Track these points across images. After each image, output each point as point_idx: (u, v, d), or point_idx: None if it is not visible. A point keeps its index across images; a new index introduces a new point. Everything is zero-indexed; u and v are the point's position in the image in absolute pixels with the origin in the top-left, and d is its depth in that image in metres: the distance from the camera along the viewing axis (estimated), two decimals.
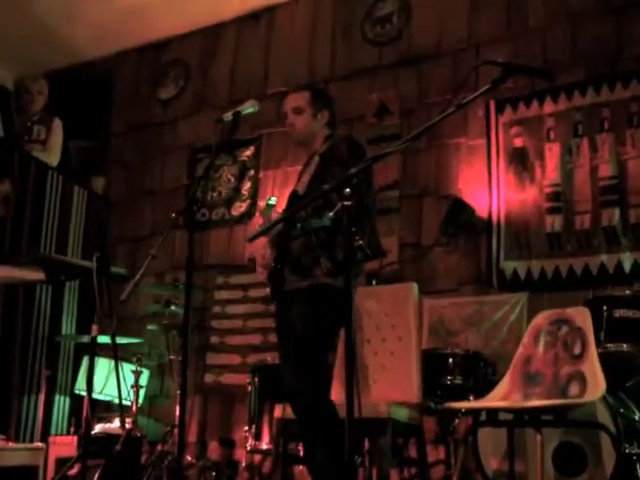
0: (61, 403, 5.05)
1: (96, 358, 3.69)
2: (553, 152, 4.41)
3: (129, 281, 4.55)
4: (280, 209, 3.23)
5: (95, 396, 4.49)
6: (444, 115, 2.28)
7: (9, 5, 5.80)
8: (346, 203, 2.20)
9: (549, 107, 4.49)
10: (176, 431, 4.31)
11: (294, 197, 3.22)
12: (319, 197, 2.52)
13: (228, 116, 3.01)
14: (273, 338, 4.25)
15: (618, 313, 3.51)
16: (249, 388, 4.29)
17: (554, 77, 4.35)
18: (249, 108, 3.05)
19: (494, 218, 4.50)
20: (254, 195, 5.47)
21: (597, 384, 2.90)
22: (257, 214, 3.24)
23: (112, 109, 6.50)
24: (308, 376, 2.94)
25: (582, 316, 3.16)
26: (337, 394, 3.20)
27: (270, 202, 3.20)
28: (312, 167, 3.20)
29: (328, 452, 2.86)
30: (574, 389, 3.00)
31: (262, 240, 3.19)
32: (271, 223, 2.94)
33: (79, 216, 5.50)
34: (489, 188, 4.56)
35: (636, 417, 3.28)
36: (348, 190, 2.20)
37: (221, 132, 3.22)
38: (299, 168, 3.52)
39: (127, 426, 3.85)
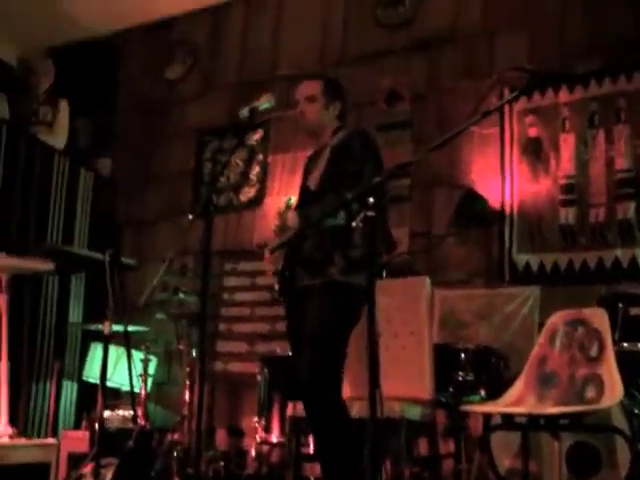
0: (69, 390, 5.05)
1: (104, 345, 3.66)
2: (568, 143, 4.35)
3: (137, 269, 4.61)
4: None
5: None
6: (468, 124, 2.24)
7: None
8: (369, 214, 2.16)
9: (564, 96, 4.41)
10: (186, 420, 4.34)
11: (306, 193, 3.19)
12: (340, 206, 2.48)
13: (244, 112, 2.94)
14: (281, 327, 4.24)
15: (634, 311, 3.49)
16: (258, 378, 4.28)
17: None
18: (265, 103, 2.98)
19: (507, 209, 4.45)
20: (263, 180, 5.42)
21: (614, 389, 2.88)
22: (276, 215, 3.17)
23: (118, 88, 6.41)
24: (322, 373, 2.91)
25: (599, 317, 3.13)
26: (349, 391, 3.19)
27: (289, 203, 3.15)
28: (323, 161, 3.15)
29: (339, 450, 2.85)
30: (591, 393, 2.98)
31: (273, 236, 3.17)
32: (292, 236, 2.90)
33: (86, 200, 5.46)
34: (502, 179, 4.51)
35: None
36: (372, 200, 2.16)
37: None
38: (308, 153, 3.47)
39: (138, 419, 3.84)
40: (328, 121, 3.25)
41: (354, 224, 2.22)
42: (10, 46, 6.59)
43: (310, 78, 3.35)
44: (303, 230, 2.91)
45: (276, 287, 3.14)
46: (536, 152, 4.46)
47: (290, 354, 3.29)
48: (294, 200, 3.17)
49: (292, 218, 3.02)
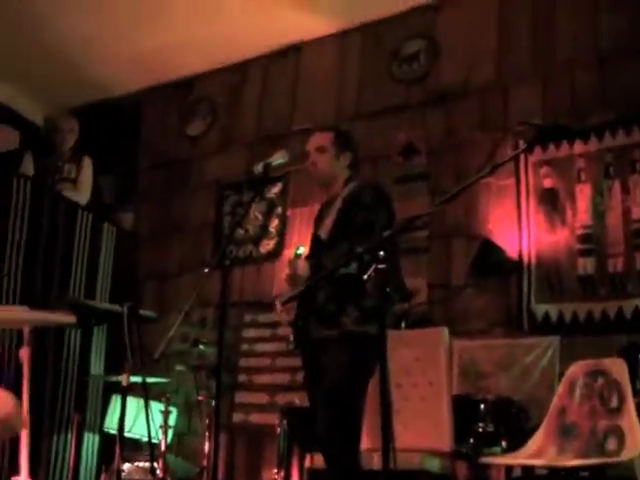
0: (90, 442, 5.04)
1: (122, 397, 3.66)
2: (584, 193, 4.36)
3: (157, 321, 4.63)
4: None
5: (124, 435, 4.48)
6: (478, 177, 2.25)
7: (38, 44, 5.87)
8: (380, 266, 2.17)
9: (579, 148, 4.43)
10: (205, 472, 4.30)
11: (317, 242, 3.20)
12: (352, 258, 2.49)
13: (258, 168, 3.00)
14: (301, 377, 4.22)
15: None
16: (278, 430, 4.26)
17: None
18: (279, 159, 3.05)
19: (525, 259, 4.44)
20: (282, 233, 5.46)
21: (636, 440, 2.85)
22: (287, 264, 3.18)
23: (140, 145, 6.54)
24: (340, 426, 2.90)
25: (618, 368, 3.10)
26: (367, 443, 3.17)
27: (298, 252, 3.18)
28: (334, 210, 3.18)
29: None
30: (612, 444, 2.94)
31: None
32: (305, 287, 2.91)
33: (108, 253, 5.51)
34: (519, 229, 4.51)
35: None
36: (382, 253, 2.18)
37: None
38: None
39: (157, 471, 3.82)
40: (339, 171, 3.29)
41: (365, 277, 2.22)
42: (36, 106, 6.77)
43: (321, 130, 3.41)
44: (317, 280, 2.91)
45: (291, 338, 3.16)
46: (552, 202, 4.47)
47: (309, 405, 3.28)
48: (303, 249, 3.18)
49: (302, 267, 3.02)
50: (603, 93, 4.48)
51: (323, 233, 3.14)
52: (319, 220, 3.33)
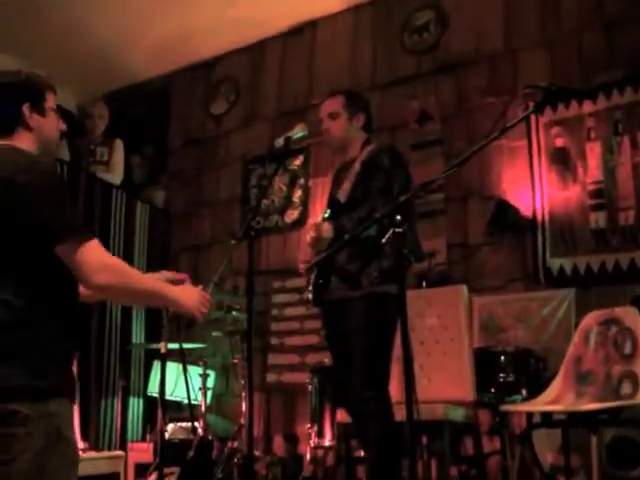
0: (135, 405, 5.12)
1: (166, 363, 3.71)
2: (594, 151, 4.29)
3: None
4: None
5: (166, 398, 4.55)
6: (489, 140, 2.21)
7: (70, 32, 5.86)
8: (397, 230, 2.15)
9: (588, 107, 4.35)
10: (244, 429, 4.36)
11: (336, 205, 3.11)
12: (370, 224, 2.46)
13: (279, 142, 2.95)
14: None
15: None
16: (309, 388, 4.29)
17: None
18: (299, 133, 2.99)
19: (538, 216, 4.39)
20: (305, 202, 5.46)
21: None
22: (311, 227, 3.12)
23: (169, 125, 6.54)
24: (374, 384, 2.88)
25: (631, 316, 3.07)
26: (392, 395, 3.17)
27: (325, 216, 3.13)
28: (352, 174, 3.07)
29: (386, 454, 2.83)
30: (627, 388, 2.92)
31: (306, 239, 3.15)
32: (328, 253, 2.87)
33: (143, 229, 5.57)
34: (532, 188, 4.45)
35: None
36: (399, 217, 2.15)
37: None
38: None
39: (198, 430, 3.88)
40: (353, 134, 3.18)
41: (383, 240, 2.20)
42: (69, 94, 6.79)
43: (331, 95, 3.27)
44: (341, 246, 2.86)
45: (310, 297, 3.09)
46: (564, 161, 4.40)
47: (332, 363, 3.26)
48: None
49: (327, 229, 2.95)
50: (609, 54, 4.38)
51: (342, 196, 3.04)
52: (336, 183, 3.25)
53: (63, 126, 2.03)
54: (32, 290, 1.70)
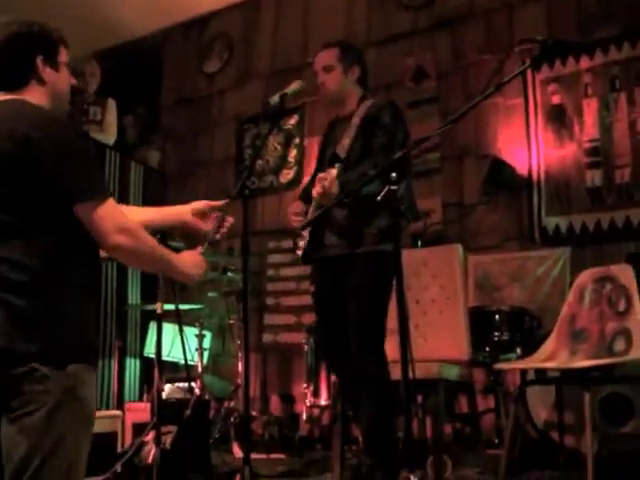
0: (132, 366, 5.16)
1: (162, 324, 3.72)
2: (591, 108, 4.26)
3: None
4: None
5: (163, 358, 4.57)
6: (485, 96, 2.18)
7: None
8: (392, 187, 2.14)
9: (585, 63, 4.31)
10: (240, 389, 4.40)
11: (335, 160, 2.97)
12: (367, 181, 2.44)
13: (275, 99, 2.89)
14: None
15: None
16: (305, 348, 4.32)
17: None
18: (294, 88, 2.95)
19: (534, 175, 4.39)
20: (300, 162, 5.43)
21: None
22: (317, 181, 2.98)
23: (162, 84, 6.47)
24: (373, 345, 2.87)
25: (625, 273, 3.06)
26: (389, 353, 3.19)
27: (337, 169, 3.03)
28: (351, 130, 2.99)
29: (379, 412, 2.86)
30: (620, 345, 2.93)
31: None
32: (324, 209, 2.83)
33: (137, 191, 5.54)
34: (528, 146, 4.44)
35: None
36: (394, 175, 2.13)
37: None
38: None
39: (195, 390, 3.91)
40: (349, 87, 3.08)
41: (379, 198, 2.18)
42: None
43: (325, 46, 3.16)
44: (343, 201, 2.76)
45: (299, 252, 3.03)
46: (560, 119, 4.38)
47: (318, 318, 3.20)
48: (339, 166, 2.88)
49: (333, 183, 2.79)
50: (607, 9, 4.33)
51: (341, 152, 2.96)
52: (330, 138, 3.17)
53: (74, 81, 1.98)
54: (48, 251, 1.68)
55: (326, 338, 3.16)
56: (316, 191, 2.84)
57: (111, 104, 5.37)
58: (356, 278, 2.89)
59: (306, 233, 3.00)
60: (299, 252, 3.04)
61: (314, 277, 3.20)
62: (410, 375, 2.11)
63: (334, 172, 2.71)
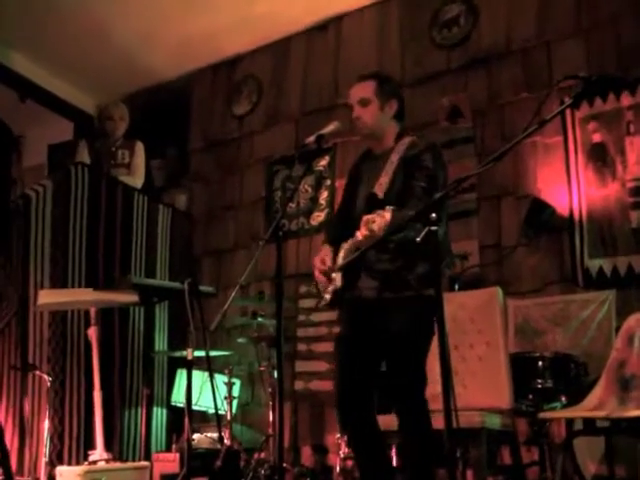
0: (159, 415, 5.14)
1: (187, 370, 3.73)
2: (634, 146, 4.24)
3: (216, 296, 4.69)
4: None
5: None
6: (527, 133, 2.19)
7: (89, 34, 5.95)
8: (433, 228, 2.14)
9: (627, 100, 4.31)
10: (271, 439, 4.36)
11: (373, 200, 2.87)
12: (406, 223, 2.42)
13: (311, 140, 2.93)
14: None
15: None
16: None
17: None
18: (331, 128, 2.96)
19: (576, 216, 4.35)
20: (332, 204, 5.45)
21: None
22: (363, 223, 2.90)
23: (190, 127, 6.58)
24: (416, 392, 2.82)
25: None
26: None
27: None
28: (390, 169, 2.91)
29: (419, 466, 2.81)
30: None
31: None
32: (359, 252, 2.81)
33: (165, 233, 5.59)
34: (569, 186, 4.42)
35: None
36: (434, 215, 2.13)
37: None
38: None
39: (225, 440, 3.89)
40: (386, 123, 3.04)
41: (418, 239, 2.17)
42: (88, 97, 6.88)
43: (362, 79, 3.11)
44: (390, 241, 2.73)
45: (327, 297, 2.96)
46: (602, 157, 4.36)
47: (340, 364, 3.07)
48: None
49: (383, 229, 2.56)
50: None
51: (379, 191, 2.86)
52: (361, 174, 3.13)
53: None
54: None
55: (344, 388, 3.01)
56: (362, 233, 2.62)
57: (139, 147, 5.47)
58: (400, 324, 2.84)
59: (338, 277, 2.94)
60: (327, 296, 2.97)
61: (342, 320, 3.13)
62: (454, 425, 2.08)
63: (388, 216, 2.49)
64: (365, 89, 3.05)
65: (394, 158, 2.94)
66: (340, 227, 3.10)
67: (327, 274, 2.99)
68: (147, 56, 6.27)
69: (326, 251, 3.06)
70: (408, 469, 2.83)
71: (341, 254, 2.95)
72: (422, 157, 2.92)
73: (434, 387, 2.79)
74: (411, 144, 2.98)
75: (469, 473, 3.56)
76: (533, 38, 4.79)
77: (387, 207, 2.49)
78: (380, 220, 2.52)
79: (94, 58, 6.24)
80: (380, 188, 2.87)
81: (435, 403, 2.76)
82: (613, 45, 4.45)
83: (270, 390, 4.57)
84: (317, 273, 3.02)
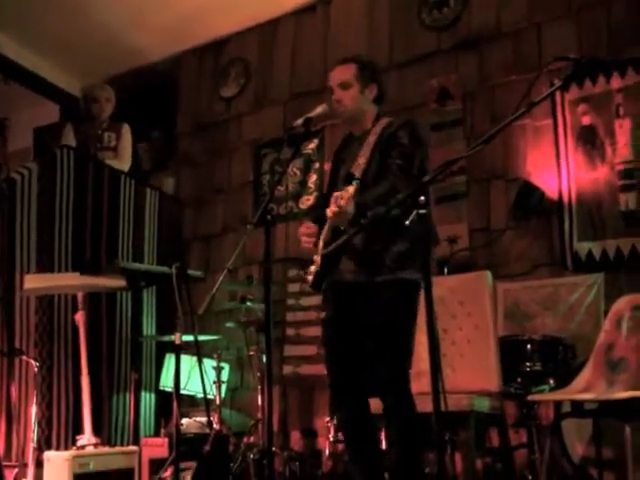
0: (147, 400, 5.16)
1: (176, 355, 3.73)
2: (624, 128, 4.25)
3: (204, 280, 4.69)
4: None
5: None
6: (516, 116, 2.17)
7: (74, 14, 5.88)
8: (421, 211, 2.14)
9: (617, 82, 4.31)
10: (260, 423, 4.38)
11: (351, 180, 2.83)
12: (394, 205, 2.41)
13: (299, 123, 2.92)
14: None
15: None
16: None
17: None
18: (319, 110, 2.96)
19: (565, 199, 4.37)
20: (320, 187, 5.44)
21: None
22: (332, 200, 2.91)
23: (177, 109, 6.55)
24: (399, 379, 2.83)
25: None
26: (415, 386, 3.16)
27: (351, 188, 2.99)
28: (367, 148, 2.95)
29: (405, 449, 2.82)
30: None
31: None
32: (348, 236, 2.80)
33: (152, 217, 5.58)
34: (558, 169, 4.43)
35: None
36: (422, 198, 2.14)
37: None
38: None
39: (214, 424, 3.90)
40: (366, 106, 3.07)
41: (407, 222, 2.17)
42: (74, 79, 6.82)
43: (343, 62, 3.12)
44: (364, 227, 2.69)
45: (309, 278, 2.95)
46: (591, 140, 4.37)
47: (328, 347, 3.09)
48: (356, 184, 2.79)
49: (350, 203, 2.68)
50: (638, 26, 4.32)
51: (357, 171, 2.90)
52: (342, 158, 3.15)
53: None
54: None
55: (334, 372, 3.03)
56: (331, 210, 2.73)
57: (126, 130, 5.44)
58: (377, 309, 2.85)
59: (318, 257, 2.94)
60: (309, 277, 2.97)
61: (325, 304, 3.11)
62: (443, 408, 2.09)
63: (351, 190, 2.63)
64: (345, 72, 3.07)
65: (371, 139, 2.97)
66: (323, 209, 3.10)
67: (314, 239, 2.98)
68: (133, 38, 6.22)
69: (308, 224, 3.07)
70: (392, 453, 2.84)
71: (323, 233, 2.94)
72: (398, 134, 2.95)
73: (420, 366, 2.83)
74: (388, 124, 3.02)
75: (458, 456, 3.60)
76: (524, 20, 4.78)
77: (353, 182, 2.58)
78: (345, 194, 2.61)
79: (80, 39, 6.18)
80: (358, 168, 2.90)
81: (423, 386, 2.79)
82: (604, 27, 4.45)
83: (259, 374, 4.58)
84: (305, 239, 3.02)
